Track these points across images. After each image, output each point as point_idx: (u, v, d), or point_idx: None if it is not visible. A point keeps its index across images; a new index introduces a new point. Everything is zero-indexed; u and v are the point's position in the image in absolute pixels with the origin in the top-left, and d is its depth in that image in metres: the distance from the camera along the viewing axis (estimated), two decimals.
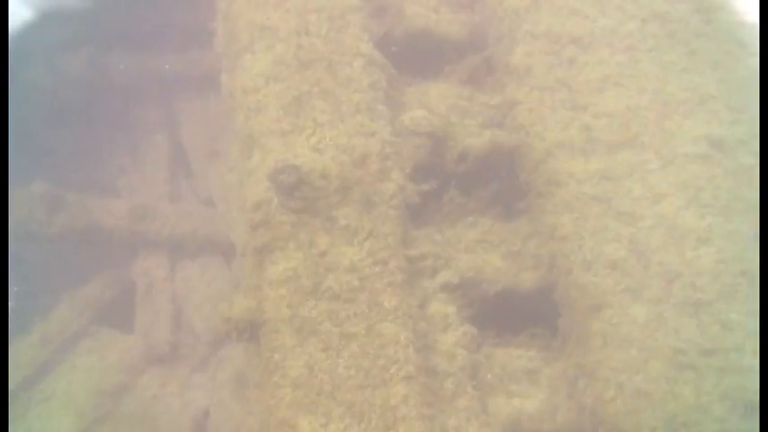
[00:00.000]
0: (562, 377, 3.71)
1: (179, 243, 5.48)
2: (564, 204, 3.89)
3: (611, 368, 3.49)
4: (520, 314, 3.87)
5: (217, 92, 4.73)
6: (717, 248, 3.71)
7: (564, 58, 4.32)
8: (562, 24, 4.42)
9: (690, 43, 4.38)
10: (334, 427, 3.28)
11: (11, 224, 5.08)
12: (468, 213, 4.08)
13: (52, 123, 5.96)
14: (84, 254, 5.60)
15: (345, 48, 4.13)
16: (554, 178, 3.96)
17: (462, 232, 3.99)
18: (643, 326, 3.56)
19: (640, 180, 3.93)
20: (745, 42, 4.44)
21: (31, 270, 5.50)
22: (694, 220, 3.80)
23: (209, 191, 5.81)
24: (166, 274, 5.47)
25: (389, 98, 4.13)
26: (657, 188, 3.89)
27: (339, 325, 3.47)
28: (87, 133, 6.09)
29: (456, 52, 4.52)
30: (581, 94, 4.21)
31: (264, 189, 3.71)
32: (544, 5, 4.49)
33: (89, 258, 5.61)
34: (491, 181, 4.17)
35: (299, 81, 4.00)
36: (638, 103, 4.16)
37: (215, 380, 5.14)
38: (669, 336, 3.53)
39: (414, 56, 4.46)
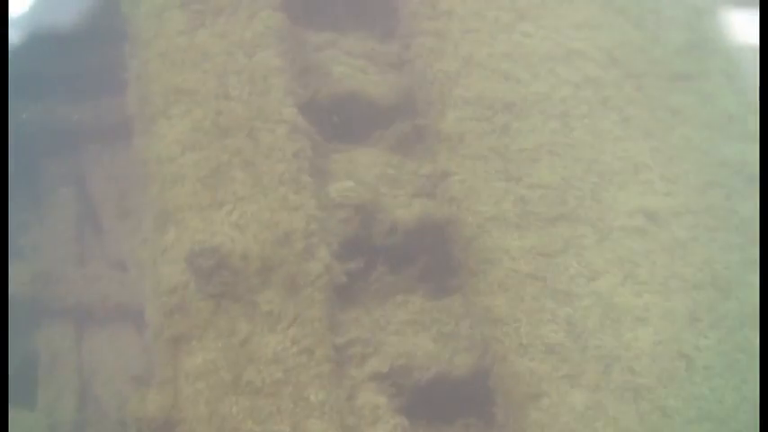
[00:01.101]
0: None
1: (86, 310, 5.11)
2: (498, 283, 3.70)
3: None
4: (454, 402, 3.65)
5: (127, 143, 4.41)
6: (654, 329, 3.59)
7: (497, 125, 4.17)
8: (494, 89, 4.26)
9: (623, 110, 4.26)
10: None
11: None
12: (397, 292, 3.86)
13: None
14: None
15: (268, 113, 3.89)
16: (487, 255, 3.78)
17: (391, 313, 3.77)
18: (581, 414, 3.39)
19: (576, 256, 3.78)
20: (678, 109, 4.34)
21: None
22: (631, 298, 3.67)
23: (120, 252, 5.44)
24: (72, 344, 5.08)
25: (314, 167, 3.89)
26: (594, 264, 3.75)
27: (262, 423, 3.21)
28: None
29: (385, 117, 4.32)
30: (515, 163, 4.06)
31: (180, 271, 3.43)
32: (475, 69, 4.33)
33: None
34: (421, 256, 3.96)
35: (218, 150, 3.74)
36: (573, 173, 4.02)
37: None
38: (608, 426, 3.38)
39: (340, 120, 4.22)
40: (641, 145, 4.15)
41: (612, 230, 3.85)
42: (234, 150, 3.74)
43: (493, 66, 4.34)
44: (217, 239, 3.45)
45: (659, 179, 4.04)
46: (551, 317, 3.57)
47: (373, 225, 3.91)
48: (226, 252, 3.40)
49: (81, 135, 5.87)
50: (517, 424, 3.44)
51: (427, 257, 3.97)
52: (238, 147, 3.75)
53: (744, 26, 4.80)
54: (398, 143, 4.25)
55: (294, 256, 3.54)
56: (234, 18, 4.08)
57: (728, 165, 4.14)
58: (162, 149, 3.72)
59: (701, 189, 4.03)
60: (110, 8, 4.64)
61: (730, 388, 3.46)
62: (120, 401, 4.83)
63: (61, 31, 5.97)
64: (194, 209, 3.57)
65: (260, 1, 4.16)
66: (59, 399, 4.95)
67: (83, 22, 5.90)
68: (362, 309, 3.73)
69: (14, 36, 5.93)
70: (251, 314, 3.40)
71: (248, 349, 3.33)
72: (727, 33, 4.78)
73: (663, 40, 4.54)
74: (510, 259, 3.76)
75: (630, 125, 4.20)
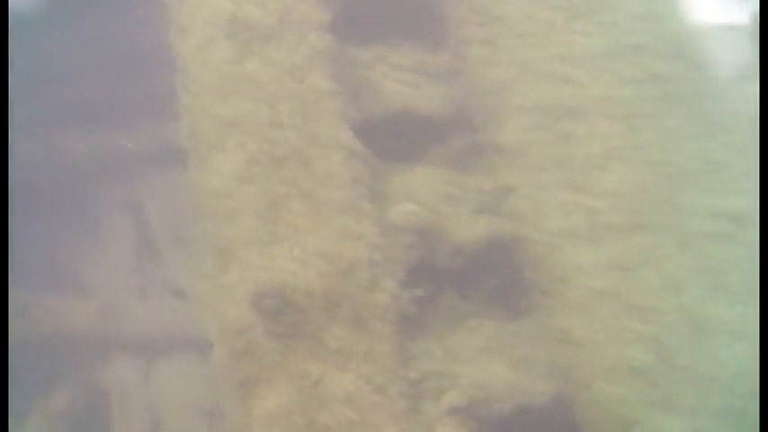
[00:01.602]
0: None
1: (152, 342, 5.06)
2: (574, 303, 3.54)
3: None
4: None
5: (181, 168, 4.32)
6: (753, 344, 3.35)
7: (559, 133, 3.99)
8: (553, 95, 4.08)
9: (693, 105, 4.04)
10: None
11: None
12: (467, 317, 3.72)
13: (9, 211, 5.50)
14: (51, 360, 5.15)
15: (322, 139, 3.77)
16: (560, 273, 3.62)
17: (464, 340, 3.63)
18: None
19: (656, 268, 3.59)
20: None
21: None
22: (723, 310, 3.45)
23: (180, 281, 5.38)
24: (141, 378, 5.04)
25: (373, 191, 3.75)
26: (677, 276, 3.56)
27: None
28: (45, 220, 5.63)
29: (441, 132, 4.16)
30: (581, 172, 3.88)
31: (246, 312, 3.33)
32: (531, 75, 4.15)
33: (56, 364, 5.17)
34: (489, 277, 3.81)
35: (274, 182, 3.62)
36: (644, 178, 3.83)
37: None
38: None
39: (396, 139, 4.07)
40: (717, 141, 3.92)
41: (694, 237, 3.65)
42: (290, 181, 3.62)
43: (549, 70, 4.16)
44: (280, 277, 3.33)
45: (741, 177, 3.80)
46: (635, 336, 3.39)
47: (437, 247, 3.75)
48: (290, 290, 3.28)
49: (136, 162, 5.80)
50: None
51: (496, 278, 3.82)
52: (295, 177, 3.63)
53: None
54: (457, 159, 4.10)
55: (359, 289, 3.41)
56: (282, 43, 3.95)
57: None
58: (218, 184, 3.62)
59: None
60: (159, 30, 4.54)
61: None
62: None
63: (111, 55, 5.92)
64: (254, 245, 3.46)
65: (307, 23, 4.01)
66: None
67: (132, 45, 5.84)
68: (433, 338, 3.59)
69: (63, 62, 5.89)
70: (320, 353, 3.29)
71: (320, 390, 3.22)
72: None
73: None
74: (585, 276, 3.59)
75: (703, 120, 3.97)
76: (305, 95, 3.85)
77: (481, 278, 3.80)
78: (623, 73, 4.16)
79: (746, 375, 3.26)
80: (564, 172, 3.88)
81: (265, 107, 3.80)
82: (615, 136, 3.97)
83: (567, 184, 3.84)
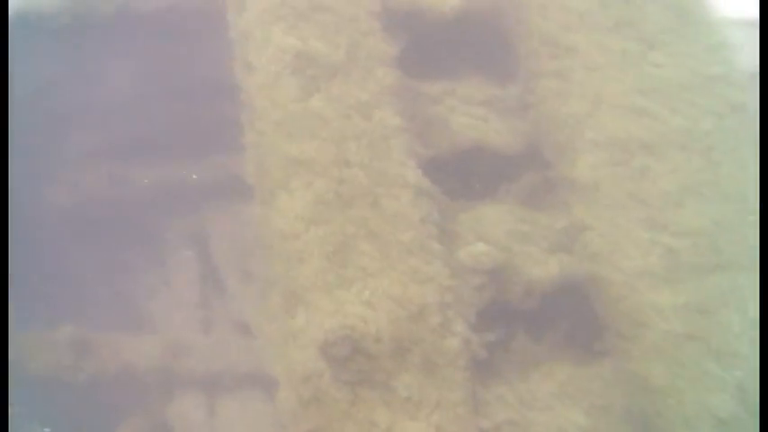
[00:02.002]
0: None
1: (216, 379, 5.01)
2: (653, 347, 3.40)
3: None
4: None
5: (246, 200, 4.28)
6: None
7: (635, 169, 3.86)
8: (628, 129, 3.95)
9: None
10: None
11: (36, 370, 4.66)
12: (541, 361, 3.60)
13: (74, 246, 5.54)
14: (116, 396, 5.14)
15: (390, 178, 3.69)
16: (637, 316, 3.48)
17: (537, 385, 3.51)
18: None
19: (739, 310, 3.42)
20: None
21: (62, 416, 5.05)
22: None
23: (245, 316, 5.34)
24: (205, 416, 5.00)
25: (443, 231, 3.65)
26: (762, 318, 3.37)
27: None
28: (112, 253, 5.66)
29: (511, 167, 4.05)
30: (659, 210, 3.74)
31: (313, 358, 3.25)
32: (606, 108, 4.02)
33: (121, 400, 5.16)
34: (563, 319, 3.68)
35: (342, 223, 3.55)
36: (724, 215, 3.67)
37: None
38: None
39: (464, 176, 3.98)
40: None
41: None
42: (359, 221, 3.54)
43: (624, 103, 4.03)
44: (348, 322, 3.24)
45: None
46: (718, 384, 3.24)
47: (509, 288, 3.64)
48: (359, 336, 3.19)
49: (201, 194, 5.79)
50: None
51: (570, 320, 3.70)
52: (363, 217, 3.55)
53: None
54: (528, 195, 3.99)
55: (430, 334, 3.32)
56: (349, 79, 3.89)
57: None
58: (285, 226, 3.56)
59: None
60: (224, 63, 4.51)
61: None
62: None
63: (176, 86, 5.93)
64: (322, 289, 3.39)
65: (374, 58, 3.94)
66: None
67: (197, 77, 5.84)
68: (506, 384, 3.48)
69: (128, 92, 5.92)
70: (390, 401, 3.19)
71: None
72: None
73: None
74: (663, 319, 3.45)
75: None
76: (372, 133, 3.78)
77: (554, 320, 3.68)
78: (701, 105, 4.02)
79: None
80: (640, 209, 3.76)
81: (332, 145, 3.73)
82: (693, 171, 3.84)
83: (644, 221, 3.71)
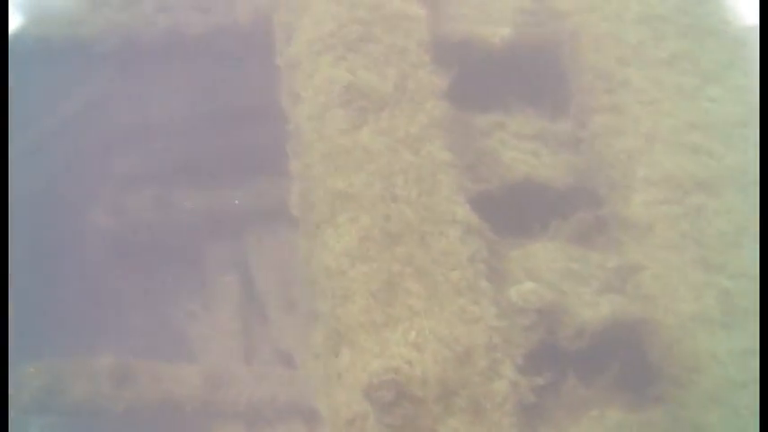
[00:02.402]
0: None
1: (257, 411, 4.95)
2: (708, 395, 3.27)
3: None
4: None
5: (289, 225, 4.22)
6: None
7: (689, 208, 3.75)
8: (683, 166, 3.84)
9: None
10: None
11: (75, 398, 4.64)
12: (591, 405, 3.48)
13: (116, 269, 5.53)
14: (155, 425, 5.10)
15: (439, 214, 3.61)
16: (692, 362, 3.37)
17: (587, 431, 3.37)
18: None
19: None
20: None
21: None
22: None
23: (287, 345, 5.28)
24: None
25: (491, 269, 3.56)
26: None
27: None
28: (154, 277, 5.64)
29: (562, 204, 3.95)
30: (714, 250, 3.64)
31: (358, 400, 3.16)
32: (660, 145, 3.92)
33: (160, 430, 5.12)
34: (614, 362, 3.56)
35: (389, 260, 3.48)
36: None
37: None
38: None
39: (514, 211, 3.89)
40: None
41: None
42: (406, 259, 3.47)
43: (679, 139, 3.94)
44: (394, 364, 3.16)
45: None
46: None
47: (558, 329, 3.54)
48: (404, 379, 3.11)
49: (243, 219, 5.76)
50: None
51: (621, 364, 3.57)
52: (410, 254, 3.48)
53: None
54: (579, 233, 3.89)
55: (477, 376, 3.24)
56: (397, 111, 3.83)
57: None
58: (331, 262, 3.49)
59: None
60: (270, 88, 4.48)
61: None
62: None
63: (221, 110, 5.92)
64: (368, 328, 3.32)
65: (423, 90, 3.88)
66: None
67: (242, 102, 5.83)
68: (555, 429, 3.37)
69: (171, 115, 5.91)
70: None
71: None
72: None
73: None
74: (719, 365, 3.34)
75: None
76: (420, 167, 3.72)
77: (605, 363, 3.57)
78: (757, 141, 3.90)
79: None
80: (695, 249, 3.65)
81: (380, 179, 3.67)
82: (750, 210, 3.70)
83: (699, 263, 3.60)
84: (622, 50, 4.18)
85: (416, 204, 3.64)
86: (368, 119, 3.84)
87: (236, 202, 5.79)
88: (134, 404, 4.79)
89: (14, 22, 4.91)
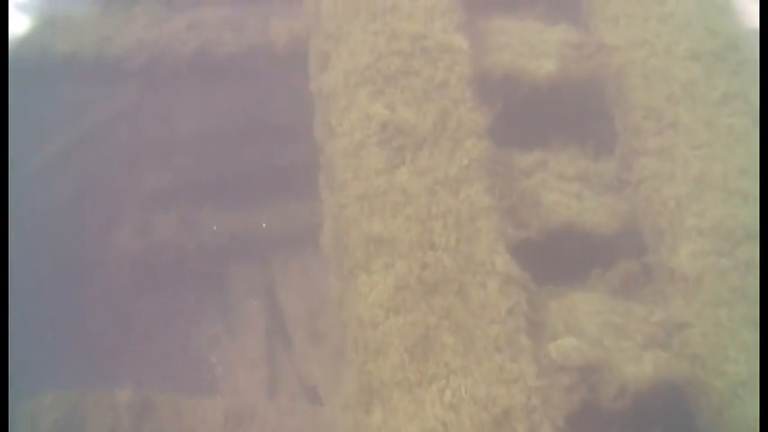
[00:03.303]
0: None
1: None
2: None
3: None
4: None
5: (316, 251, 4.08)
6: None
7: (740, 260, 3.56)
8: (734, 215, 3.66)
9: None
10: None
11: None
12: None
13: (141, 291, 5.40)
14: None
15: (477, 263, 3.45)
16: (741, 429, 3.16)
17: None
18: None
19: None
20: None
21: None
22: None
23: (313, 377, 5.13)
24: None
25: (531, 323, 3.40)
26: None
27: None
28: (178, 300, 5.51)
29: (605, 251, 3.77)
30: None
31: None
32: (710, 191, 3.73)
33: None
34: (658, 425, 3.39)
35: (425, 312, 3.33)
36: None
37: None
38: None
39: (556, 259, 3.72)
40: None
41: None
42: (443, 311, 3.32)
43: (730, 186, 3.76)
44: (429, 426, 3.01)
45: None
46: None
47: (600, 387, 3.37)
48: None
49: (270, 243, 5.61)
50: None
51: (666, 426, 3.39)
52: (447, 307, 3.33)
53: None
54: (623, 283, 3.72)
55: None
56: (436, 151, 3.68)
57: None
58: (363, 312, 3.34)
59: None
60: (301, 110, 4.33)
61: None
62: None
63: (249, 129, 5.78)
64: (402, 386, 3.17)
65: (463, 128, 3.72)
66: None
67: (273, 122, 5.69)
68: None
69: (198, 131, 5.79)
70: None
71: None
72: None
73: None
74: None
75: None
76: (459, 212, 3.56)
77: (649, 425, 3.39)
78: None
79: None
80: (745, 307, 3.46)
81: (417, 224, 3.52)
82: None
83: (750, 322, 3.41)
84: (671, 88, 3.99)
85: (454, 252, 3.49)
86: (405, 158, 3.69)
87: (264, 225, 5.63)
88: None
89: (41, 37, 4.78)
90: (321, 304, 5.20)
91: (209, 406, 4.69)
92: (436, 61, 3.92)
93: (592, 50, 4.21)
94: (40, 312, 4.82)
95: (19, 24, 4.86)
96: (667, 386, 3.44)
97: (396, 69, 3.87)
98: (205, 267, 5.53)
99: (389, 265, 3.45)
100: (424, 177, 3.64)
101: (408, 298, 3.37)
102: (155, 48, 4.85)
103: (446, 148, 3.72)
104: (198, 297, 5.56)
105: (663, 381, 3.43)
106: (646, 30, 4.16)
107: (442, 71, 3.90)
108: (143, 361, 5.08)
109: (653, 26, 4.18)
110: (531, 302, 3.49)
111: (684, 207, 3.70)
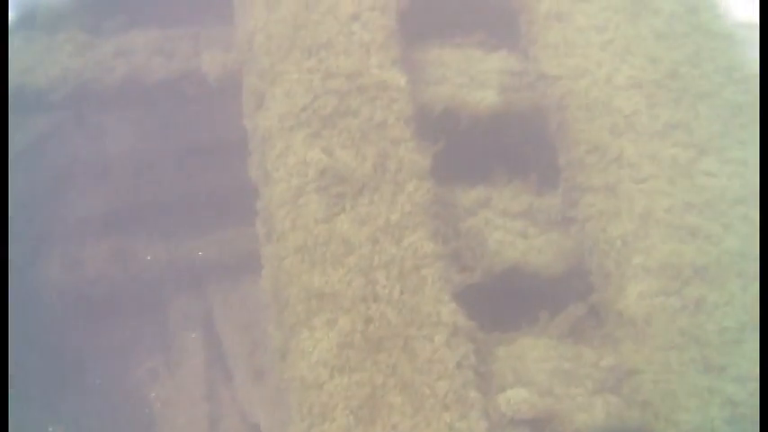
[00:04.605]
0: None
1: None
2: None
3: None
4: None
5: (254, 279, 3.93)
6: None
7: (688, 300, 3.51)
8: (680, 252, 3.59)
9: None
10: None
11: None
12: None
13: (74, 327, 5.20)
14: None
15: (423, 315, 3.34)
16: None
17: None
18: None
19: None
20: None
21: None
22: None
23: (254, 415, 4.99)
24: None
25: (479, 375, 3.30)
26: None
27: None
28: (114, 334, 5.31)
29: (552, 294, 3.69)
30: (715, 349, 3.39)
31: None
32: (655, 228, 3.66)
33: None
34: None
35: (370, 370, 3.20)
36: None
37: None
38: None
39: (502, 303, 3.62)
40: None
41: None
42: (389, 369, 3.21)
43: (675, 221, 3.68)
44: None
45: None
46: None
47: None
48: None
49: (208, 271, 5.44)
50: None
51: None
52: (393, 363, 3.22)
53: None
54: (572, 327, 3.63)
55: None
56: (377, 196, 3.55)
57: None
58: (307, 373, 3.21)
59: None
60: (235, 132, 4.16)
61: None
62: None
63: (183, 153, 5.61)
64: None
65: (404, 170, 3.59)
66: None
67: (205, 144, 5.51)
68: None
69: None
70: None
71: None
72: None
73: None
74: None
75: None
76: (403, 260, 3.44)
77: None
78: (756, 222, 3.66)
79: None
80: (694, 350, 3.41)
81: (359, 276, 3.39)
82: (752, 303, 3.47)
83: (699, 364, 3.37)
84: (613, 120, 3.91)
85: (399, 304, 3.38)
86: (345, 206, 3.56)
87: (200, 253, 5.45)
88: None
89: None
90: (261, 337, 5.06)
91: None
92: (374, 100, 3.78)
93: (533, 79, 4.10)
94: None
95: None
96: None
97: (332, 110, 3.72)
98: (143, 298, 5.33)
99: (332, 322, 3.33)
100: (365, 225, 3.51)
101: (353, 356, 3.25)
102: (80, 77, 4.62)
103: (387, 193, 3.59)
104: (134, 329, 5.37)
105: (615, 428, 3.35)
106: (586, 58, 4.06)
107: (380, 110, 3.76)
108: (77, 398, 4.88)
109: (594, 54, 4.08)
110: (479, 352, 3.40)
111: (630, 245, 3.63)
